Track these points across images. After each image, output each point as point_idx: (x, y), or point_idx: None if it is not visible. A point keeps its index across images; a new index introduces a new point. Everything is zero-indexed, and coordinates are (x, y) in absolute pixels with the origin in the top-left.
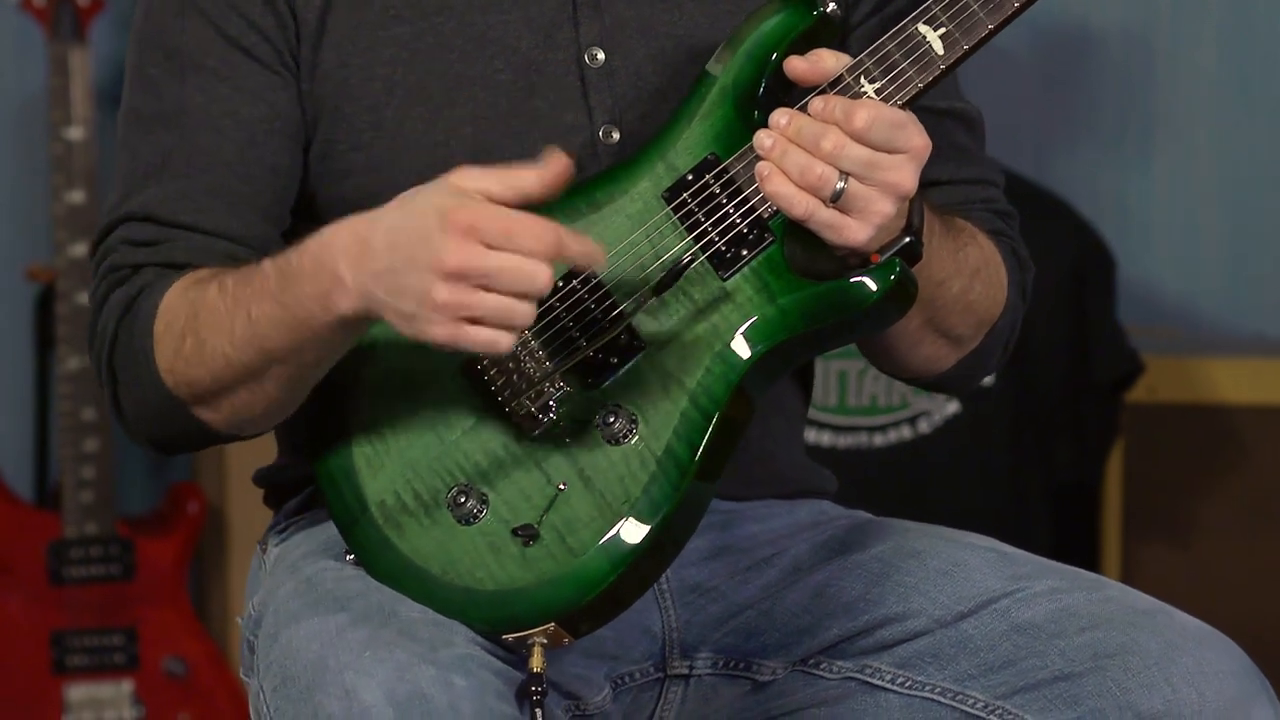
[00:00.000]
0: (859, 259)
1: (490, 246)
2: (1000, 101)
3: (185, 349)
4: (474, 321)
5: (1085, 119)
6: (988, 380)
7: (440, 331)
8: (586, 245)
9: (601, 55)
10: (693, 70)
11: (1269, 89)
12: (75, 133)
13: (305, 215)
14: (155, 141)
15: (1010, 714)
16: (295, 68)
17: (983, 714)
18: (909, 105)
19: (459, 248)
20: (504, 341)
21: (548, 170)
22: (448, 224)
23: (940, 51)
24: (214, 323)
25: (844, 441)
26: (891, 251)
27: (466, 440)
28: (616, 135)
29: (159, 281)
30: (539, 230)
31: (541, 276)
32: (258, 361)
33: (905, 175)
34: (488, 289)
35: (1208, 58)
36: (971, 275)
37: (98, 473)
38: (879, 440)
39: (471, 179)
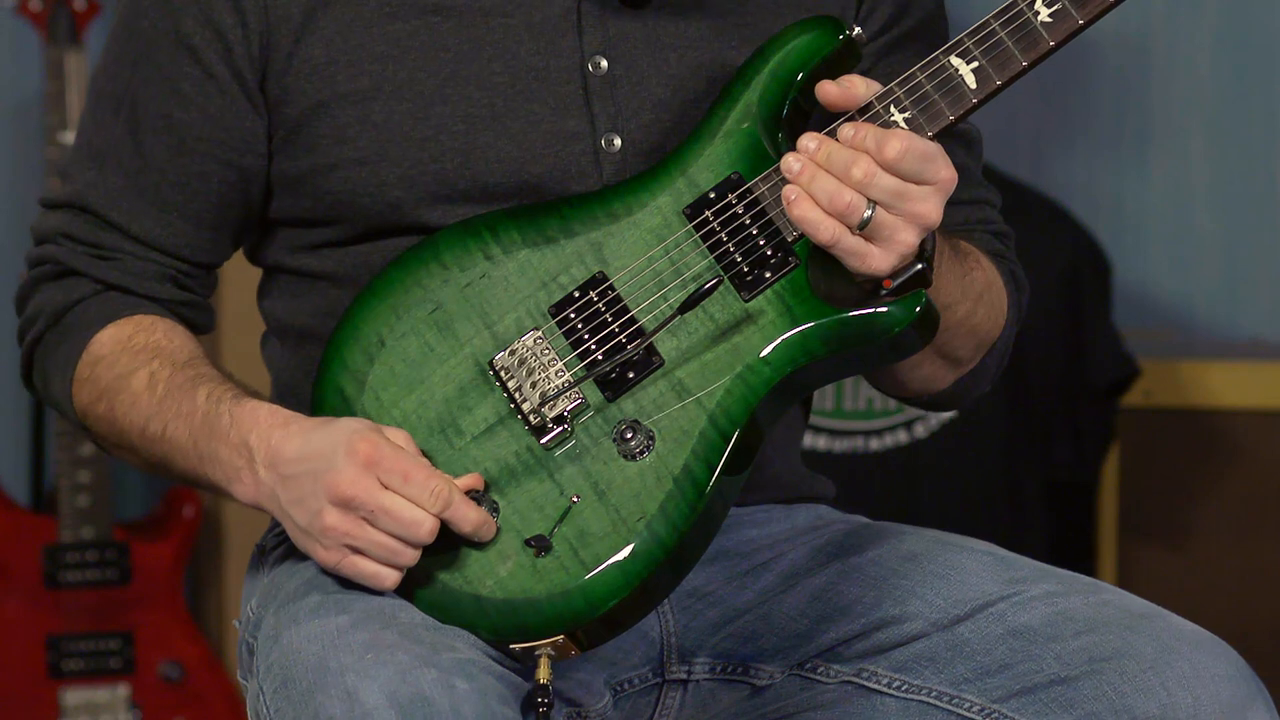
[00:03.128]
0: (872, 284)
1: (385, 486)
2: (996, 105)
3: (99, 410)
4: (359, 551)
5: (1081, 122)
6: None
7: (326, 555)
8: (479, 518)
9: (605, 63)
10: (696, 82)
11: (1265, 92)
12: (71, 137)
13: (296, 208)
14: (107, 125)
15: (1006, 718)
16: (251, 70)
17: (979, 717)
18: (936, 137)
19: (355, 477)
20: (387, 579)
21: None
22: (352, 450)
23: (972, 85)
24: (132, 411)
25: (840, 445)
26: (903, 278)
27: (476, 447)
28: (618, 143)
29: (92, 306)
30: (434, 485)
31: (424, 528)
32: (158, 463)
33: (932, 207)
34: (374, 524)
35: (1203, 61)
36: (976, 300)
37: (94, 477)
38: (875, 444)
39: (399, 435)
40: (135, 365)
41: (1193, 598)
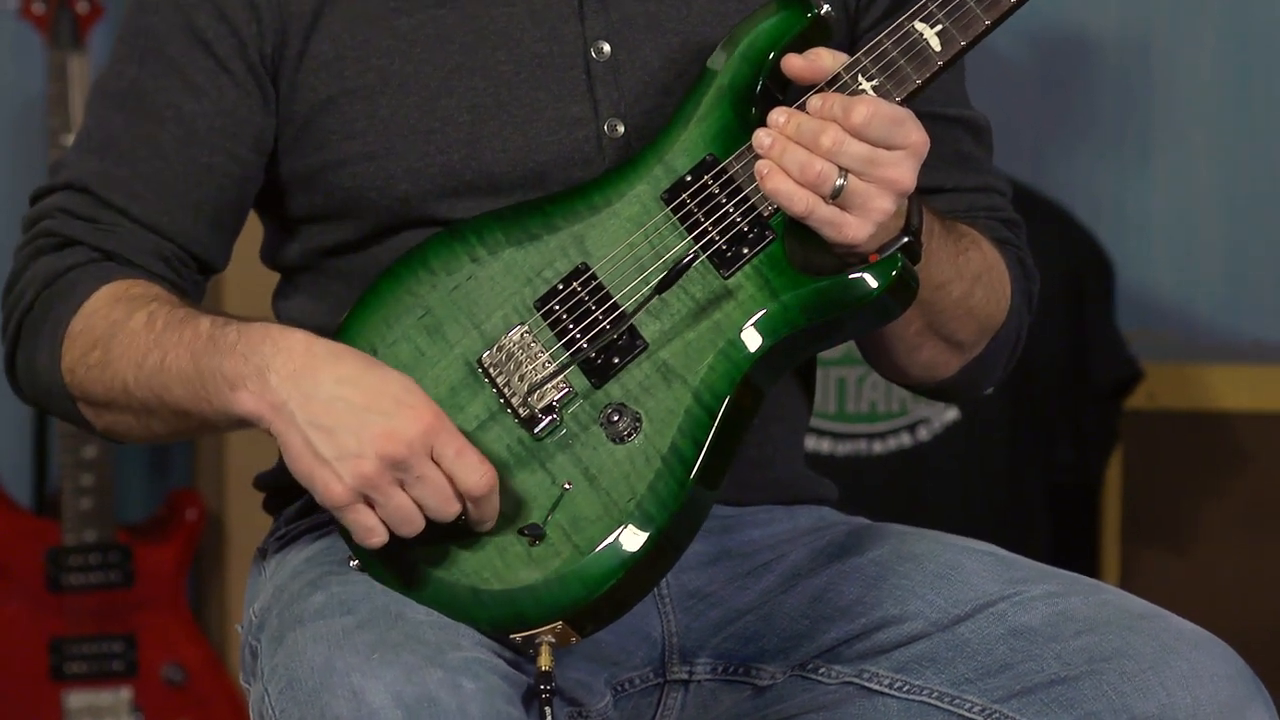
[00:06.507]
0: (858, 258)
1: (435, 457)
2: (998, 106)
3: (91, 359)
4: (370, 503)
5: (1083, 124)
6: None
7: (336, 491)
8: (496, 512)
9: (608, 49)
10: (699, 67)
11: (1267, 93)
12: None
13: (310, 206)
14: (108, 118)
15: (1007, 718)
16: (264, 66)
17: (980, 718)
18: (907, 103)
19: (413, 440)
20: (376, 537)
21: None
22: (416, 413)
23: (937, 48)
24: (128, 349)
25: (843, 449)
26: (890, 251)
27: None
28: (622, 129)
29: (89, 270)
30: (482, 470)
31: (454, 508)
32: (152, 402)
33: (904, 171)
34: (406, 488)
35: (1205, 62)
36: (973, 280)
37: (97, 479)
38: (878, 447)
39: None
40: (134, 308)
41: (1195, 600)
